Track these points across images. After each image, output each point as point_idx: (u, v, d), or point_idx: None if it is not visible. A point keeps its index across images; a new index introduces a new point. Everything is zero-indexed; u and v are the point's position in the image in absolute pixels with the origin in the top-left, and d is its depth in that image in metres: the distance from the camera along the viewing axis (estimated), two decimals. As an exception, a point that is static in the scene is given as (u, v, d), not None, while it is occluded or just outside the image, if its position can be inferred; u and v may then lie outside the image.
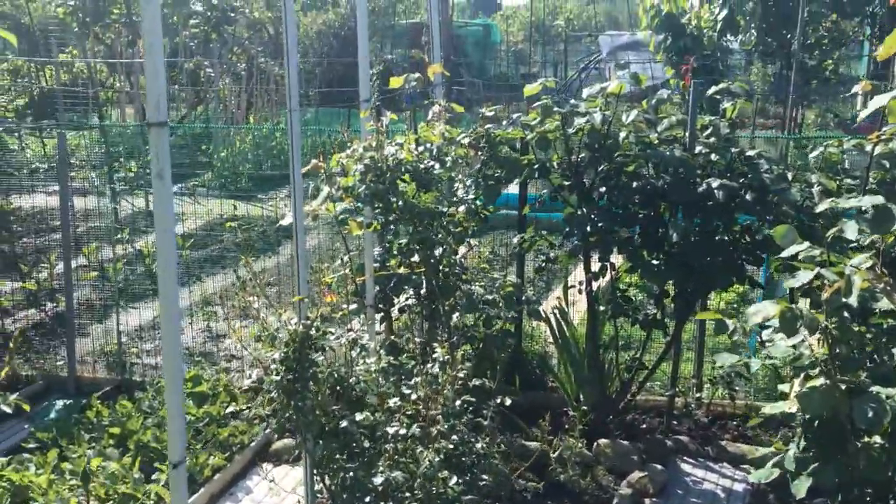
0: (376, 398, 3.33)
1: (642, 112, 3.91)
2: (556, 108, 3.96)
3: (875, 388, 2.11)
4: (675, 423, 4.67)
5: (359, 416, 3.12)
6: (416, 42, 17.12)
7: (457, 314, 3.64)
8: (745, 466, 4.16)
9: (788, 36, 12.12)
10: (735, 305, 6.18)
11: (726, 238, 4.04)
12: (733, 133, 4.08)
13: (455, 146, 3.45)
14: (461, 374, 3.47)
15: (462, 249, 3.91)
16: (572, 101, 4.09)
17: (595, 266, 4.34)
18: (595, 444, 4.31)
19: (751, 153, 3.89)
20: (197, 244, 8.49)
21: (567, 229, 4.21)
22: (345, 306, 3.33)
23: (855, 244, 2.80)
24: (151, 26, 2.05)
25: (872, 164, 3.61)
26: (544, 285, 7.32)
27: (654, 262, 4.14)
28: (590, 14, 28.22)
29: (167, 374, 2.34)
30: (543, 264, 4.55)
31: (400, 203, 3.10)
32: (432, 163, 3.22)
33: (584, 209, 4.14)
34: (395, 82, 3.81)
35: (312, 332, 3.02)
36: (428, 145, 3.31)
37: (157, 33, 2.04)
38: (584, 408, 4.57)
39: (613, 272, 4.36)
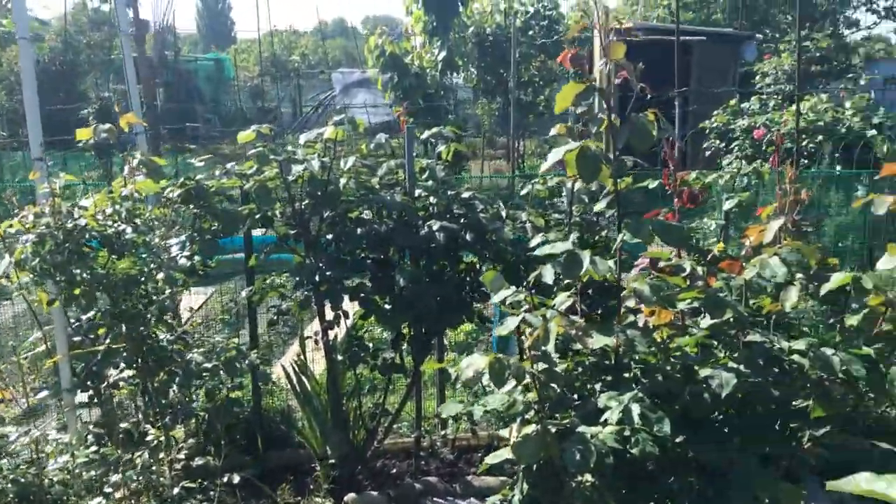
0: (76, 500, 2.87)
1: (360, 158, 3.86)
2: (272, 156, 3.77)
3: (581, 428, 2.19)
4: (423, 463, 4.65)
5: (52, 530, 2.65)
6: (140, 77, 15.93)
7: (173, 388, 3.26)
8: (490, 499, 4.23)
9: (505, 74, 13.19)
10: (475, 335, 6.41)
11: (453, 277, 4.12)
12: (450, 175, 4.19)
13: (157, 204, 3.10)
14: (181, 456, 3.12)
15: (185, 312, 3.55)
16: (289, 147, 3.92)
17: (329, 315, 4.20)
18: (343, 500, 4.13)
19: (466, 195, 4.00)
20: None
21: (297, 279, 4.04)
22: (29, 398, 2.83)
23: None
24: None
25: (574, 199, 3.95)
26: (290, 331, 7.03)
27: (387, 306, 4.10)
28: (325, 50, 28.54)
29: None
30: (276, 317, 4.31)
31: (85, 275, 2.69)
32: (124, 226, 2.85)
33: (312, 258, 4.00)
34: (83, 134, 3.35)
35: (-21, 439, 2.51)
36: (117, 207, 2.93)
37: None
38: (333, 461, 4.39)
39: (348, 319, 4.26)
